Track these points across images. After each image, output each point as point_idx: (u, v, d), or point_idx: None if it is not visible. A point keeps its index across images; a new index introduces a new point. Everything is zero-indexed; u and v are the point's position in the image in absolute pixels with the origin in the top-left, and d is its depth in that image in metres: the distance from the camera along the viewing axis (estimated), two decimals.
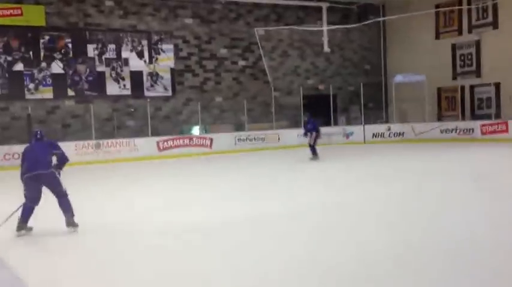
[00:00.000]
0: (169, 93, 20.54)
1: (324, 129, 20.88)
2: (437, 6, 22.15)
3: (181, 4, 20.75)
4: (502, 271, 4.51)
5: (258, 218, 7.19)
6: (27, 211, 6.62)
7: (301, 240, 5.88)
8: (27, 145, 7.34)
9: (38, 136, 7.10)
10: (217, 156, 18.00)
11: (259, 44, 21.71)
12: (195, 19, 21.06)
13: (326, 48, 23.21)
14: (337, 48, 23.93)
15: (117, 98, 19.67)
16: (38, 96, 18.44)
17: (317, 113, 21.62)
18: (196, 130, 20.02)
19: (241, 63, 22.03)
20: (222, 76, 21.59)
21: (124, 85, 19.82)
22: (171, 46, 20.64)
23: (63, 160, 6.95)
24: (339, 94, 23.55)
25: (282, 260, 5.10)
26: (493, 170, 11.63)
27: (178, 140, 18.70)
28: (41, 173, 6.63)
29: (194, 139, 19.05)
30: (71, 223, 6.71)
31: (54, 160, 6.88)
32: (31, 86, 18.37)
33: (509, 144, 13.80)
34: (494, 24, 20.50)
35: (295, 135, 20.62)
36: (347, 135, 21.08)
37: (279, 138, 20.26)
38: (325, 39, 23.05)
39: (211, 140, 19.12)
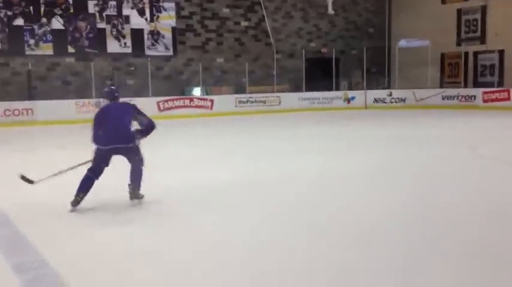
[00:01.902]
0: (171, 52, 20.33)
1: (325, 94, 20.96)
2: None
3: None
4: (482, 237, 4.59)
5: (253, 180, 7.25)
6: (89, 183, 5.71)
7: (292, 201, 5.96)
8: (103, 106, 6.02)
9: (116, 94, 5.88)
10: (218, 118, 18.00)
11: (262, 4, 21.37)
12: None
13: (330, 10, 22.79)
14: (341, 11, 23.52)
15: (117, 56, 19.50)
16: (39, 52, 18.28)
17: (319, 77, 21.60)
18: (197, 91, 19.94)
19: (244, 23, 21.71)
20: (224, 36, 21.33)
21: (125, 43, 19.62)
22: (172, 4, 20.31)
23: (149, 128, 5.82)
24: (341, 58, 23.32)
25: (278, 222, 5.19)
26: (491, 138, 11.65)
27: (179, 101, 18.65)
28: (121, 147, 5.68)
29: (195, 100, 19.00)
30: (136, 194, 5.86)
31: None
32: (31, 41, 18.18)
33: (511, 112, 13.76)
34: None
35: (296, 98, 20.59)
36: (348, 100, 21.00)
37: (280, 102, 20.20)
38: (329, 1, 22.60)
39: (212, 101, 19.06)
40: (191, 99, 18.97)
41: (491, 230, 4.87)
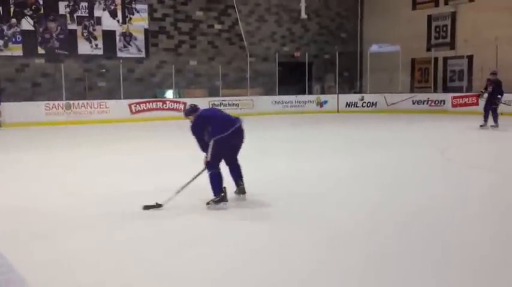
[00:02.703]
0: (143, 54, 20.19)
1: (298, 98, 21.09)
2: None
3: None
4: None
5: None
6: (219, 177, 5.77)
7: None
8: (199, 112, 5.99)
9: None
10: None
11: (235, 7, 21.39)
12: None
13: (303, 15, 23.00)
14: (314, 15, 23.76)
15: (88, 57, 19.25)
16: (7, 53, 17.93)
17: (292, 81, 21.73)
18: (169, 94, 19.82)
19: (217, 26, 21.71)
20: (197, 39, 21.27)
21: (96, 45, 19.39)
22: (145, 6, 20.18)
23: None
24: (314, 62, 23.51)
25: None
26: (459, 141, 11.89)
27: (151, 104, 18.51)
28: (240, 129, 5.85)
29: (167, 103, 18.87)
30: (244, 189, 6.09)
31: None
32: (0, 42, 17.82)
33: (479, 117, 14.06)
34: None
35: (269, 102, 20.65)
36: (321, 104, 21.16)
37: (253, 105, 20.23)
38: (302, 6, 22.81)
39: (185, 104, 18.93)
40: (164, 102, 18.84)
41: (458, 231, 4.95)
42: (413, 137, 13.04)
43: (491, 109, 13.75)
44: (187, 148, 11.54)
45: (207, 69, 21.21)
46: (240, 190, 6.11)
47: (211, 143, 5.75)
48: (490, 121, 13.68)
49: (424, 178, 7.65)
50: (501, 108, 14.30)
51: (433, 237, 4.74)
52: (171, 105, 18.83)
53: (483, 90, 14.06)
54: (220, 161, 5.88)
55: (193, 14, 21.12)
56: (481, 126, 13.79)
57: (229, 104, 19.79)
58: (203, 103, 19.22)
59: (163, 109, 18.55)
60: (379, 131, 14.45)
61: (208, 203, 5.74)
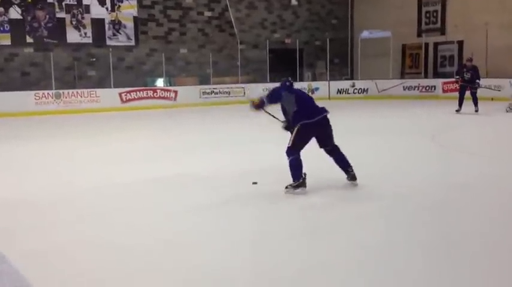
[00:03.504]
0: (133, 42, 20.02)
1: None
2: None
3: None
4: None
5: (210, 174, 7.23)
6: (299, 164, 5.80)
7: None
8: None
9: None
10: (181, 109, 17.87)
11: None
12: None
13: (294, 1, 22.91)
14: (304, 2, 23.64)
15: (78, 46, 19.07)
16: None
17: (283, 68, 21.65)
18: (160, 82, 19.72)
19: (207, 13, 21.54)
20: (187, 27, 21.12)
21: (85, 33, 19.20)
22: None
23: None
24: (305, 49, 23.44)
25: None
26: (451, 127, 11.96)
27: (141, 92, 18.41)
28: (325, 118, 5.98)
29: (158, 91, 18.78)
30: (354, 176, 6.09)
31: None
32: None
33: (469, 102, 14.13)
34: None
35: (260, 89, 20.56)
36: (312, 91, 21.14)
37: (244, 93, 20.17)
38: None
39: (176, 92, 18.88)
40: (154, 91, 18.75)
41: (451, 216, 5.00)
42: (404, 123, 13.08)
43: (471, 94, 13.94)
44: (179, 137, 11.55)
45: (198, 57, 21.09)
46: (351, 177, 6.09)
47: (296, 127, 5.81)
48: (467, 107, 13.83)
49: (414, 162, 7.70)
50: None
51: (421, 220, 4.78)
52: (162, 93, 18.74)
53: (458, 77, 14.25)
54: (302, 147, 5.86)
55: (182, 1, 20.95)
56: (456, 111, 13.96)
57: (220, 92, 19.75)
58: (194, 91, 19.27)
59: (154, 98, 18.46)
60: (371, 118, 14.49)
61: (286, 188, 5.77)
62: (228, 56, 21.77)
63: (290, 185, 5.77)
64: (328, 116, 5.98)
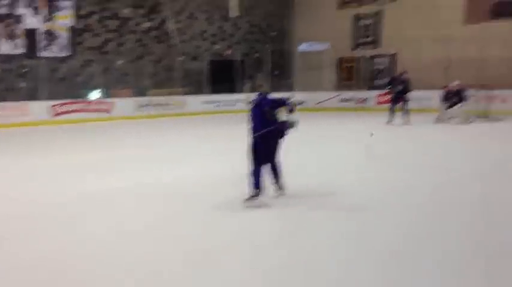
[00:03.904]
0: (67, 53, 19.46)
1: (229, 96, 21.04)
2: None
3: None
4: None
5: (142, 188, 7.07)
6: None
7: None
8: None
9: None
10: (117, 122, 17.48)
11: (165, 5, 21.01)
12: None
13: (234, 13, 23.00)
14: (245, 14, 23.77)
15: (8, 57, 18.34)
16: None
17: (223, 79, 21.67)
18: (95, 94, 19.24)
19: (146, 24, 21.27)
20: (125, 37, 20.76)
21: (17, 44, 18.51)
22: (70, 3, 19.45)
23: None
24: (245, 60, 23.53)
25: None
26: (385, 138, 12.24)
27: (75, 105, 17.88)
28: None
29: (93, 104, 18.29)
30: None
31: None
32: None
33: (400, 113, 14.56)
34: None
35: (200, 101, 20.48)
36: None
37: (183, 105, 19.98)
38: (233, 4, 22.80)
39: (111, 105, 18.46)
40: (89, 103, 18.25)
41: (381, 218, 5.08)
42: (340, 134, 13.32)
43: (402, 106, 14.39)
44: (111, 150, 11.22)
45: (135, 68, 20.74)
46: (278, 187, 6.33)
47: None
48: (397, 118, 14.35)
49: (351, 173, 7.88)
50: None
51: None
52: (97, 106, 18.27)
53: (389, 88, 14.69)
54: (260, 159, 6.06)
55: (120, 12, 20.59)
56: (388, 122, 14.37)
57: (158, 104, 19.47)
58: (131, 104, 18.90)
59: (88, 110, 17.97)
60: (308, 129, 14.59)
61: (246, 199, 5.94)
62: (167, 67, 21.55)
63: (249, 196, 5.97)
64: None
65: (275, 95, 6.44)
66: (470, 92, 15.84)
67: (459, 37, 18.49)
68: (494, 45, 17.55)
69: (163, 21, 21.54)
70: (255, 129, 6.13)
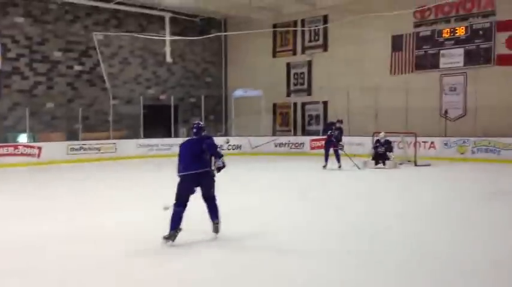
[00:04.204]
0: None
1: (164, 141, 20.83)
2: (274, 26, 23.39)
3: (11, 1, 19.07)
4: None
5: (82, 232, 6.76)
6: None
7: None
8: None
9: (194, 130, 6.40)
10: (46, 167, 16.76)
11: (97, 49, 20.78)
12: (27, 18, 19.48)
13: (168, 59, 23.13)
14: (179, 59, 23.95)
15: None
16: None
17: (158, 123, 21.48)
18: (23, 138, 18.42)
19: (77, 68, 20.86)
20: (55, 80, 20.21)
21: None
22: None
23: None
24: (180, 105, 23.53)
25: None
26: (319, 182, 12.51)
27: (1, 149, 16.99)
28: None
29: (20, 148, 17.46)
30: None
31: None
32: None
33: (333, 158, 14.98)
34: (324, 47, 22.25)
35: (133, 145, 20.11)
36: None
37: (116, 149, 19.51)
38: (167, 49, 22.96)
39: (40, 149, 17.69)
40: (16, 147, 17.40)
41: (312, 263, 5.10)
42: (275, 178, 13.45)
43: (335, 152, 14.92)
44: (38, 196, 10.70)
45: (66, 112, 20.14)
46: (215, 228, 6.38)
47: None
48: (330, 163, 14.79)
49: (285, 217, 7.87)
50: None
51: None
52: (24, 150, 17.44)
53: (330, 132, 15.19)
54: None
55: (51, 55, 20.11)
56: (323, 167, 14.81)
57: (89, 148, 18.90)
58: (61, 148, 18.24)
59: (15, 155, 17.11)
60: (243, 173, 14.72)
61: (165, 237, 6.01)
62: (99, 111, 21.10)
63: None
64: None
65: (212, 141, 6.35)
66: (398, 139, 16.73)
67: (386, 87, 19.53)
68: (417, 95, 18.64)
69: (95, 65, 21.21)
70: (186, 167, 6.16)
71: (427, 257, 5.61)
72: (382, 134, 15.65)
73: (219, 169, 6.31)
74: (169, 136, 21.50)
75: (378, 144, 15.47)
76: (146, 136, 20.75)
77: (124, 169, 16.22)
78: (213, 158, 6.28)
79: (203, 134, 6.40)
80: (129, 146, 19.94)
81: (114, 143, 19.59)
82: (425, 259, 5.52)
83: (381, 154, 15.28)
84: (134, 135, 20.91)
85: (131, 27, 22.09)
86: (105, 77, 21.07)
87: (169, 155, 20.12)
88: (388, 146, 15.36)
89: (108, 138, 19.89)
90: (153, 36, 21.93)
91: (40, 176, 14.67)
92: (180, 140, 21.40)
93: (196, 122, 6.64)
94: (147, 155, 19.96)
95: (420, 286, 4.77)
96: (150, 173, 15.27)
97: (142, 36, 21.56)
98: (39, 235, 6.78)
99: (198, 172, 6.14)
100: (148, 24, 22.75)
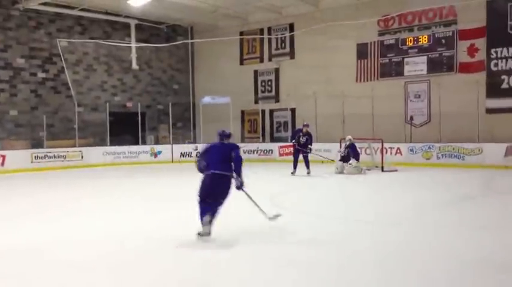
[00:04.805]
0: None
1: (131, 148, 20.59)
2: (241, 34, 23.49)
3: None
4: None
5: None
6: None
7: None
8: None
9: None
10: (10, 175, 16.32)
11: (61, 55, 20.39)
12: None
13: (134, 66, 22.91)
14: (145, 66, 23.75)
15: None
16: None
17: (124, 131, 21.22)
18: None
19: (41, 75, 20.42)
20: (18, 88, 19.72)
21: None
22: None
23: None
24: (147, 112, 23.31)
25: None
26: (287, 189, 12.58)
27: None
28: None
29: None
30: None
31: None
32: None
33: (302, 164, 15.08)
34: (291, 55, 22.44)
35: (100, 153, 19.80)
36: (155, 155, 20.91)
37: (82, 156, 19.18)
38: (133, 56, 22.75)
39: (4, 157, 17.22)
40: None
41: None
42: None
43: (303, 157, 15.01)
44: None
45: (30, 120, 19.69)
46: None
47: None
48: (299, 169, 14.87)
49: (251, 222, 7.89)
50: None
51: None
52: None
53: (294, 141, 15.28)
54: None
55: (13, 61, 19.63)
56: (292, 173, 14.91)
57: (54, 156, 18.51)
58: (25, 156, 17.81)
59: None
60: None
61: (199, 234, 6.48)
62: (64, 118, 20.70)
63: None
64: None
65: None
66: (365, 145, 17.02)
67: (352, 94, 19.84)
68: (383, 102, 19.02)
69: (59, 72, 20.82)
70: (214, 167, 6.57)
71: (393, 258, 5.73)
72: (348, 137, 15.87)
73: (237, 188, 6.70)
74: (137, 144, 21.27)
75: (343, 148, 15.72)
76: (113, 144, 20.46)
77: (89, 177, 15.94)
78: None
79: (230, 141, 6.89)
80: (96, 153, 19.62)
81: (80, 151, 19.25)
82: (389, 259, 5.63)
83: (346, 158, 15.49)
84: (100, 143, 20.60)
85: (96, 34, 21.79)
86: (70, 84, 20.69)
87: (137, 162, 19.95)
88: (352, 150, 15.52)
89: (73, 145, 19.53)
90: (118, 43, 21.70)
91: (3, 184, 14.27)
92: (148, 148, 21.31)
93: (224, 129, 7.08)
94: (114, 162, 19.68)
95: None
96: (116, 180, 15.06)
97: (107, 43, 21.31)
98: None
99: (223, 173, 6.60)
100: (113, 31, 22.50)
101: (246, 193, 6.87)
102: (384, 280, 5.02)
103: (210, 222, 6.48)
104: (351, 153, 15.52)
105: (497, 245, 6.36)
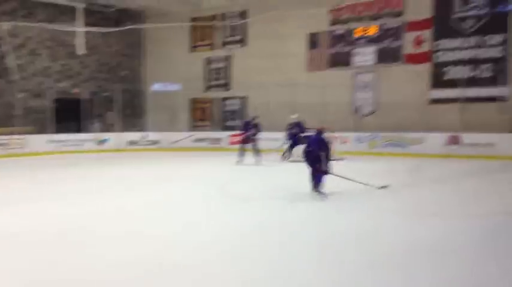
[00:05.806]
0: None
1: (76, 136, 19.98)
2: (193, 20, 23.13)
3: None
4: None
5: None
6: None
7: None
8: None
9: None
10: None
11: (3, 39, 19.46)
12: None
13: (80, 51, 22.15)
14: (92, 52, 23.02)
15: None
16: None
17: (70, 118, 20.56)
18: None
19: None
20: None
21: None
22: None
23: None
24: (94, 99, 22.65)
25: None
26: (236, 178, 12.52)
27: None
28: None
29: None
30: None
31: None
32: None
33: (250, 153, 15.06)
34: (243, 42, 22.30)
35: (43, 141, 19.11)
36: (102, 143, 20.37)
37: (24, 145, 18.44)
38: (78, 41, 21.98)
39: None
40: None
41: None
42: (194, 174, 13.31)
43: (252, 147, 15.06)
44: None
45: None
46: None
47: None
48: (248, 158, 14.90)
49: (206, 212, 7.78)
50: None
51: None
52: None
53: (244, 131, 15.30)
54: None
55: None
56: (237, 162, 14.88)
57: None
58: None
59: None
60: (162, 169, 14.48)
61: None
62: (5, 104, 19.83)
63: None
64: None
65: None
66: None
67: (303, 83, 19.93)
68: (332, 91, 19.20)
69: (1, 57, 19.90)
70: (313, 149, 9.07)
71: (336, 245, 5.78)
72: (295, 115, 15.93)
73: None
74: (82, 131, 20.67)
75: (290, 126, 15.80)
76: (57, 131, 19.79)
77: (32, 166, 15.36)
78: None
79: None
80: (39, 141, 18.91)
81: (22, 138, 18.50)
82: (334, 246, 5.68)
83: (291, 145, 15.57)
84: (44, 131, 19.87)
85: (41, 17, 20.94)
86: (12, 69, 19.81)
87: (82, 151, 19.38)
88: (301, 128, 15.57)
89: (15, 133, 18.75)
90: (63, 27, 20.91)
91: None
92: (94, 136, 20.71)
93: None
94: (58, 150, 19.04)
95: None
96: (61, 168, 14.59)
97: (51, 27, 20.49)
98: None
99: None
100: (59, 14, 21.63)
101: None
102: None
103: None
104: (298, 131, 15.54)
105: (425, 231, 6.52)
